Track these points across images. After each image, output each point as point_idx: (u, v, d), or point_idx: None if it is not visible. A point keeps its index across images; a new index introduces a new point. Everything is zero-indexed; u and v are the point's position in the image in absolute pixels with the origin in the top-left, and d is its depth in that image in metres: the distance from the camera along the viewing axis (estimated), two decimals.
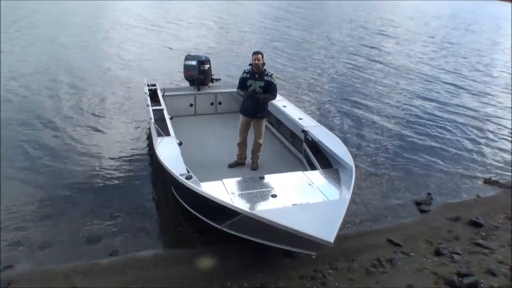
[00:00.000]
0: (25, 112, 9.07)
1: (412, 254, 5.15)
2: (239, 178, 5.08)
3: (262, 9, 32.22)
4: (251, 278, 4.51)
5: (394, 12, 41.15)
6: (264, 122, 6.15)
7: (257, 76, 5.78)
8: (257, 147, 6.16)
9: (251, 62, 5.82)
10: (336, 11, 37.24)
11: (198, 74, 8.34)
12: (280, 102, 7.36)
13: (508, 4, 65.27)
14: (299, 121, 6.59)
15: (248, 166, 6.24)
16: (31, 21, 20.09)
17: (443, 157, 8.36)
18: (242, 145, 6.20)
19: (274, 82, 5.85)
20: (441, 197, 6.82)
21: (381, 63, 17.00)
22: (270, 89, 5.81)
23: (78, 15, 22.93)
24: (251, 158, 6.26)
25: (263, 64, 5.80)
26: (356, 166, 5.33)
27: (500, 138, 9.87)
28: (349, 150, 5.59)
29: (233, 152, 6.39)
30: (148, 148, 7.61)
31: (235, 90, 6.21)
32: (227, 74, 11.96)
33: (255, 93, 5.78)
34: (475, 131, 10.17)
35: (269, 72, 5.87)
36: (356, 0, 46.98)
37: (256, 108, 5.91)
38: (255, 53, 5.79)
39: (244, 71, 5.94)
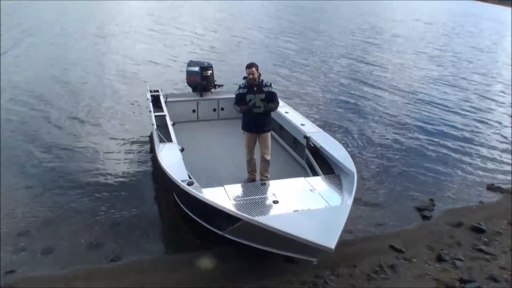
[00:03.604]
0: (26, 119, 9.12)
1: (414, 260, 5.13)
2: (240, 184, 5.09)
3: (265, 13, 32.35)
4: (251, 283, 4.51)
5: (392, 15, 41.22)
6: (270, 135, 5.84)
7: (255, 89, 5.45)
8: (265, 167, 5.76)
9: (246, 76, 5.47)
10: (336, 15, 37.36)
11: (201, 80, 8.38)
12: (282, 108, 7.34)
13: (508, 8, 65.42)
14: (301, 127, 6.59)
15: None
16: (29, 25, 20.23)
17: (445, 163, 8.34)
18: (252, 162, 5.84)
19: (275, 91, 5.62)
20: (443, 202, 6.79)
21: (383, 70, 17.02)
22: (272, 99, 5.58)
23: (76, 19, 23.06)
24: (261, 179, 5.83)
25: (260, 75, 5.49)
26: (358, 172, 5.32)
27: (503, 144, 9.84)
28: (351, 156, 5.59)
29: (235, 159, 6.38)
30: (150, 154, 7.64)
31: None
32: (230, 80, 11.98)
33: (258, 107, 5.47)
34: (477, 137, 10.14)
35: (268, 82, 5.58)
36: (356, 0, 47.01)
37: (262, 122, 5.61)
38: (249, 66, 5.40)
39: (240, 86, 5.59)
